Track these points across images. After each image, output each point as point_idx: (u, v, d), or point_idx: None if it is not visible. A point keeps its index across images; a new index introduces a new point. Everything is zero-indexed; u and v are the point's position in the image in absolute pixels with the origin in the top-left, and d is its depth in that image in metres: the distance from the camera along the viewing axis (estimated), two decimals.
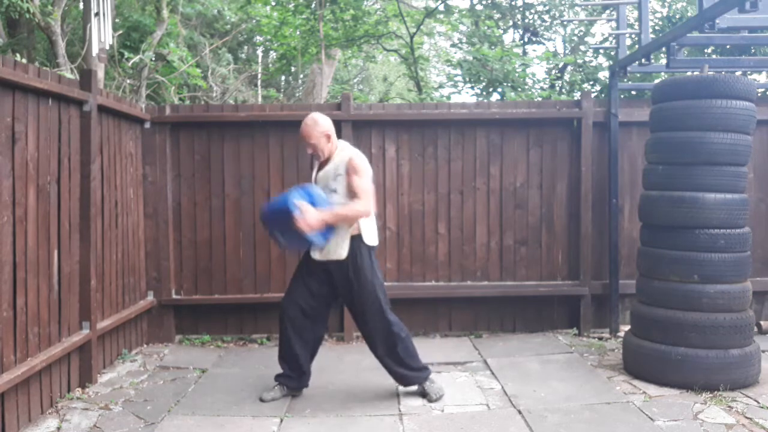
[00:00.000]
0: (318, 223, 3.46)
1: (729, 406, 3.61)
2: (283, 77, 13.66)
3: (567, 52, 10.43)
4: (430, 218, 5.33)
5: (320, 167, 3.80)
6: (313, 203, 3.50)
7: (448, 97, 9.16)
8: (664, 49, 4.44)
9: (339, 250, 3.65)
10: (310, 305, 3.78)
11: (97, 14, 6.29)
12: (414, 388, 3.90)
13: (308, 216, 3.42)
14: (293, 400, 3.83)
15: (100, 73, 6.49)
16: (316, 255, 3.72)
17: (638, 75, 6.09)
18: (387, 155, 5.30)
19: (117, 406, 3.74)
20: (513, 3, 10.34)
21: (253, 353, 4.93)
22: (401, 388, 3.98)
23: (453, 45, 11.50)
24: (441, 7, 9.47)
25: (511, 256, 5.37)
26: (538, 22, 10.21)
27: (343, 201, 3.62)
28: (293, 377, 3.86)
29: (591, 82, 8.96)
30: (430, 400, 3.78)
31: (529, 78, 8.72)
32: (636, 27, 5.81)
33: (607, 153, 5.26)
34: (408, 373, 3.80)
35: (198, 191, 5.23)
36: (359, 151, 3.82)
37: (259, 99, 11.52)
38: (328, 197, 3.63)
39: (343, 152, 3.73)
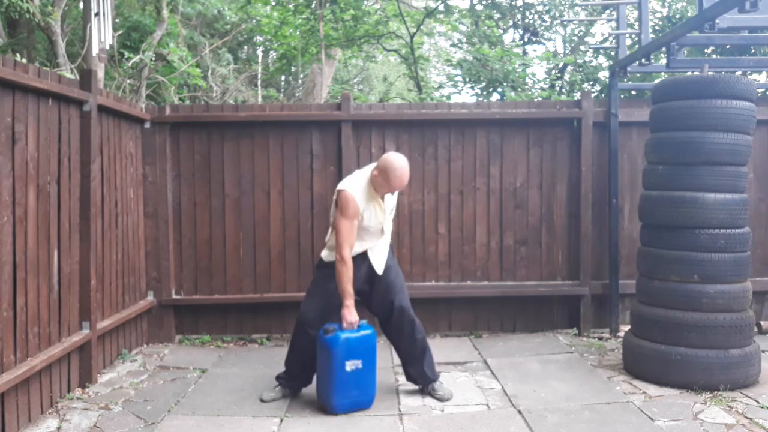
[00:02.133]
0: (352, 310, 3.58)
1: (729, 406, 3.61)
2: (283, 77, 13.66)
3: (567, 52, 10.43)
4: (430, 218, 5.33)
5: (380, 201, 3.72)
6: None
7: (448, 97, 9.16)
8: (664, 49, 4.44)
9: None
10: (332, 314, 3.79)
11: (97, 14, 6.29)
12: (417, 386, 3.93)
13: (350, 319, 3.55)
14: (293, 400, 3.83)
15: (100, 73, 6.49)
16: (381, 269, 3.79)
17: (638, 75, 6.09)
18: None
19: (117, 406, 3.74)
20: (513, 3, 10.34)
21: (253, 353, 4.93)
22: (401, 388, 3.99)
23: (453, 45, 11.51)
24: (441, 7, 9.47)
25: (511, 256, 5.37)
26: (538, 22, 10.21)
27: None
28: (297, 376, 3.86)
29: (591, 82, 8.95)
30: (441, 400, 3.80)
31: (529, 78, 8.72)
32: (636, 27, 5.81)
33: (607, 153, 5.26)
34: (425, 370, 3.85)
35: (198, 191, 5.23)
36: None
37: (259, 99, 11.52)
38: (388, 224, 3.79)
39: None
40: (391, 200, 3.80)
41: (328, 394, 3.56)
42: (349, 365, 3.52)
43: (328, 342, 3.52)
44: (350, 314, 3.55)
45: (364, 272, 3.73)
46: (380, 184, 3.58)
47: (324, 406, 3.62)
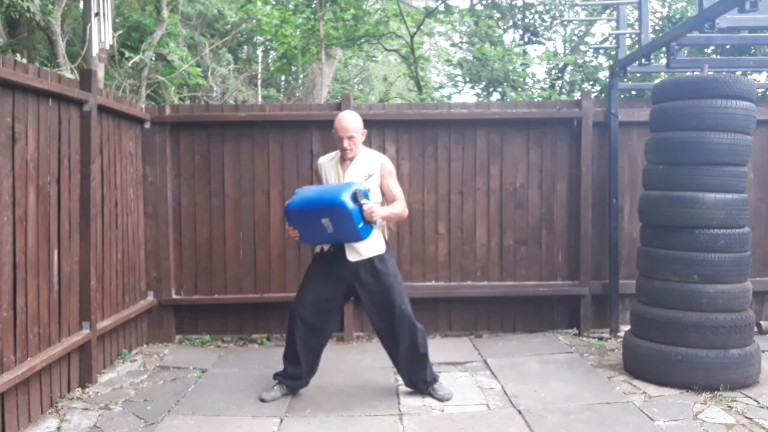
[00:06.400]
0: (378, 216, 3.54)
1: (729, 406, 3.61)
2: (283, 77, 13.66)
3: (567, 52, 10.44)
4: (430, 218, 5.33)
5: (343, 167, 3.77)
6: (366, 197, 3.52)
7: (449, 97, 9.16)
8: (664, 49, 4.44)
9: (375, 247, 3.69)
10: (325, 307, 3.79)
11: (97, 14, 6.29)
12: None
13: (374, 207, 3.50)
14: (293, 400, 3.83)
15: (100, 73, 6.49)
16: (353, 257, 3.66)
17: (638, 75, 6.09)
18: (387, 155, 5.25)
19: (117, 406, 3.74)
20: (513, 3, 10.34)
21: (253, 353, 4.93)
22: (401, 388, 3.98)
23: (453, 45, 11.51)
24: (441, 7, 9.47)
25: (511, 256, 5.37)
26: (538, 22, 10.22)
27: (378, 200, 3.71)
28: (294, 376, 3.86)
29: (591, 82, 8.96)
30: (441, 400, 3.79)
31: (529, 78, 8.73)
32: (636, 27, 5.80)
33: (607, 153, 5.26)
34: (423, 373, 3.82)
35: (198, 191, 5.23)
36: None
37: (259, 99, 11.51)
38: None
39: (370, 154, 3.85)
40: (352, 170, 3.72)
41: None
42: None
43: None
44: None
45: (340, 264, 3.69)
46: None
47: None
